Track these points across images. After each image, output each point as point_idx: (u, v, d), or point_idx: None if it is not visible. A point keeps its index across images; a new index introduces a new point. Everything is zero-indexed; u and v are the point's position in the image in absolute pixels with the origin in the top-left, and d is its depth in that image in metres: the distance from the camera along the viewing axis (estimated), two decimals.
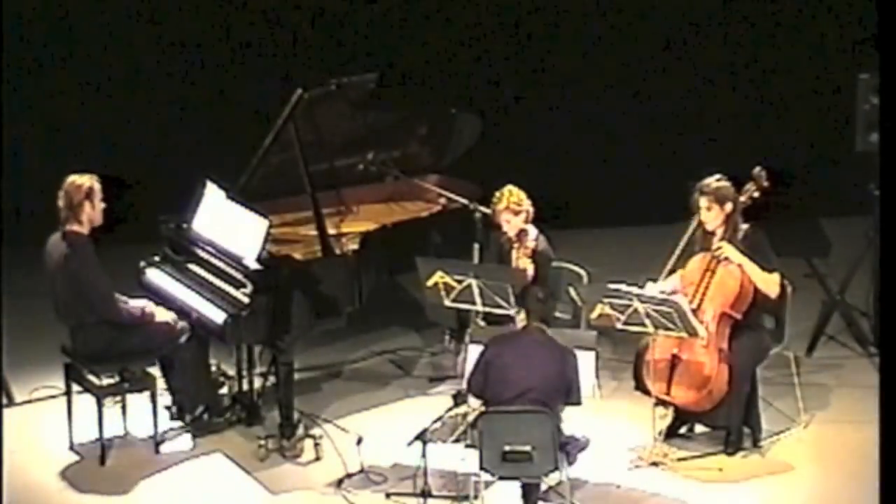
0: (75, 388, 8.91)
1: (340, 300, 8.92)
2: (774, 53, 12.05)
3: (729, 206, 8.62)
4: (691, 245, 8.72)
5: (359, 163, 9.55)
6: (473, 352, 8.10)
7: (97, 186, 8.74)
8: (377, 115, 9.57)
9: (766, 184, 8.68)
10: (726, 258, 8.58)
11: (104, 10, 12.01)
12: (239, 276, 8.86)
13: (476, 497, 7.89)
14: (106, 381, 8.76)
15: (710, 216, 8.64)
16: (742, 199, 8.66)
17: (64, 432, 8.95)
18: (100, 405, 8.72)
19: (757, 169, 8.68)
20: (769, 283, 8.59)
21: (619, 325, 8.42)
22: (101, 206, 8.76)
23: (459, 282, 8.58)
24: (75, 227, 8.71)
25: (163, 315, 8.85)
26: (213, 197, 9.14)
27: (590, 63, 12.13)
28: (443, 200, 9.69)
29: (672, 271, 8.73)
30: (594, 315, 8.45)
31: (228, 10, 12.09)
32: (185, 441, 8.98)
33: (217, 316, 8.88)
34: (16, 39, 11.85)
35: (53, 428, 9.08)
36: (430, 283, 8.68)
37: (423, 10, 12.08)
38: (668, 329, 8.31)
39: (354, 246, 9.08)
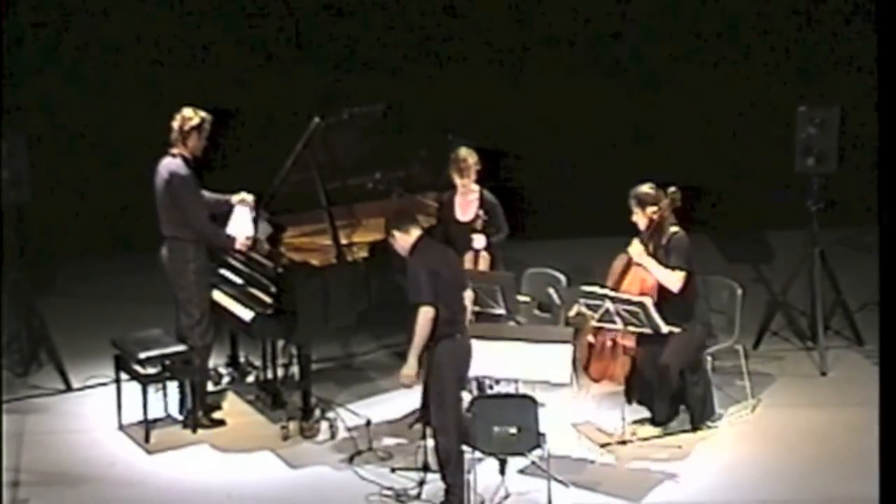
0: (123, 376, 8.93)
1: (352, 301, 8.91)
2: (730, 90, 12.01)
3: (650, 210, 8.52)
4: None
5: (368, 181, 9.48)
6: None
7: (207, 124, 8.69)
8: (384, 140, 9.54)
9: (678, 204, 8.57)
10: (636, 261, 8.51)
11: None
12: (264, 280, 8.87)
13: (469, 472, 7.85)
14: (150, 371, 8.75)
15: (636, 218, 8.58)
16: (656, 209, 8.54)
17: (113, 415, 8.99)
18: (144, 391, 8.74)
19: (672, 189, 8.58)
20: (670, 280, 8.42)
21: (593, 323, 8.42)
22: (204, 142, 8.70)
23: None
24: (183, 152, 8.66)
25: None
26: (239, 210, 9.06)
27: (575, 84, 12.00)
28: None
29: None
30: (571, 313, 8.47)
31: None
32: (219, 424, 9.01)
33: (245, 315, 8.89)
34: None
35: (104, 411, 9.13)
36: None
37: (425, 49, 12.10)
38: (635, 325, 8.30)
39: (364, 254, 9.03)
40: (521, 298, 9.21)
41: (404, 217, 7.87)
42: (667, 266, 8.48)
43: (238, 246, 8.88)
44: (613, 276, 8.63)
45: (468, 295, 8.06)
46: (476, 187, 9.03)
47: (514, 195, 11.55)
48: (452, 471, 7.74)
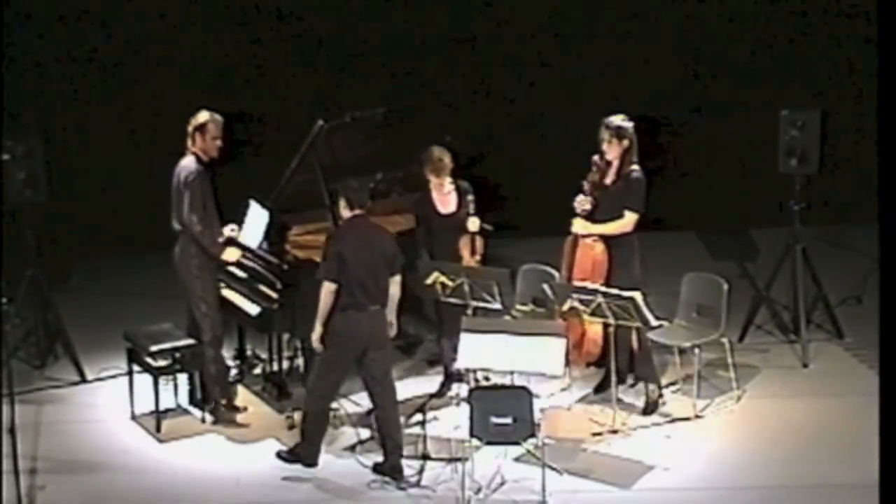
0: (136, 368, 8.93)
1: None
2: (718, 93, 11.99)
3: (626, 143, 8.59)
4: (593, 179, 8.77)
5: (369, 182, 9.52)
6: (465, 340, 7.97)
7: (212, 125, 8.58)
8: (384, 142, 9.55)
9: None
10: (581, 234, 8.67)
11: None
12: (270, 276, 8.88)
13: (467, 459, 7.91)
14: (161, 363, 8.76)
15: (611, 148, 8.63)
16: (629, 142, 8.63)
17: (126, 405, 9.00)
18: (156, 383, 8.75)
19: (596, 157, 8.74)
20: (623, 227, 8.61)
21: (585, 317, 8.43)
22: (214, 142, 8.58)
23: (453, 281, 8.55)
24: (196, 151, 8.60)
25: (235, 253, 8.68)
26: (254, 213, 9.14)
27: (567, 85, 11.93)
28: None
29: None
30: (565, 308, 8.46)
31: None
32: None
33: (252, 309, 8.92)
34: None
35: (117, 401, 9.15)
36: (428, 281, 8.64)
37: (422, 57, 12.09)
38: (625, 319, 8.30)
39: None
40: (521, 307, 9.25)
41: (356, 193, 8.01)
42: (622, 205, 8.57)
43: (223, 256, 8.72)
44: (566, 257, 8.76)
45: (395, 280, 8.13)
46: (449, 180, 9.02)
47: (511, 191, 11.63)
48: (308, 426, 8.14)
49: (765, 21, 11.93)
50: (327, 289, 7.94)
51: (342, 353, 8.02)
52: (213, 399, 8.89)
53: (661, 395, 8.90)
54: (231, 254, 8.77)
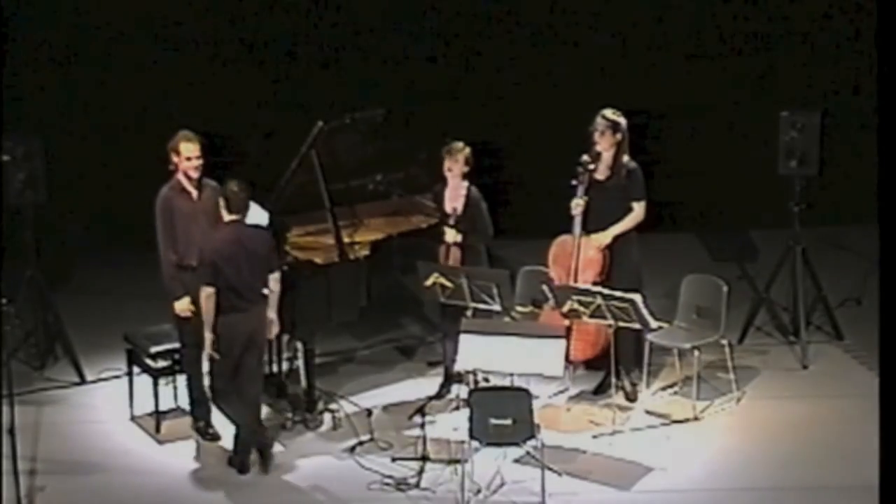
0: (135, 369, 8.93)
1: (354, 297, 8.90)
2: (718, 94, 12.00)
3: (619, 136, 8.69)
4: (584, 167, 8.79)
5: (369, 183, 9.47)
6: (465, 341, 7.95)
7: (183, 146, 8.38)
8: (384, 143, 9.53)
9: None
10: (594, 240, 8.72)
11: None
12: None
13: (467, 461, 7.88)
14: (160, 364, 8.75)
15: (603, 139, 8.70)
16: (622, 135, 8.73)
17: (125, 406, 9.00)
18: (155, 383, 8.74)
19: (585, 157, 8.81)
20: (635, 219, 8.75)
21: (585, 319, 8.40)
22: (188, 163, 8.37)
23: (453, 282, 8.53)
24: (176, 174, 8.47)
25: (184, 306, 8.48)
26: (253, 214, 8.95)
27: (568, 86, 11.90)
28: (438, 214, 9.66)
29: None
30: (565, 309, 8.42)
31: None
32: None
33: None
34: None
35: (117, 402, 9.14)
36: (428, 283, 8.61)
37: (422, 57, 12.09)
38: (625, 321, 8.28)
39: (366, 252, 9.01)
40: (520, 309, 9.23)
41: (235, 197, 8.07)
42: (630, 198, 8.68)
43: (176, 305, 8.49)
44: (563, 259, 8.76)
45: (274, 276, 8.22)
46: (465, 183, 8.98)
47: (510, 193, 11.62)
48: (244, 435, 8.20)
49: (765, 20, 11.92)
50: (205, 293, 8.00)
51: (228, 354, 8.06)
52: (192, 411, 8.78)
53: (634, 384, 8.93)
54: (181, 306, 8.50)
